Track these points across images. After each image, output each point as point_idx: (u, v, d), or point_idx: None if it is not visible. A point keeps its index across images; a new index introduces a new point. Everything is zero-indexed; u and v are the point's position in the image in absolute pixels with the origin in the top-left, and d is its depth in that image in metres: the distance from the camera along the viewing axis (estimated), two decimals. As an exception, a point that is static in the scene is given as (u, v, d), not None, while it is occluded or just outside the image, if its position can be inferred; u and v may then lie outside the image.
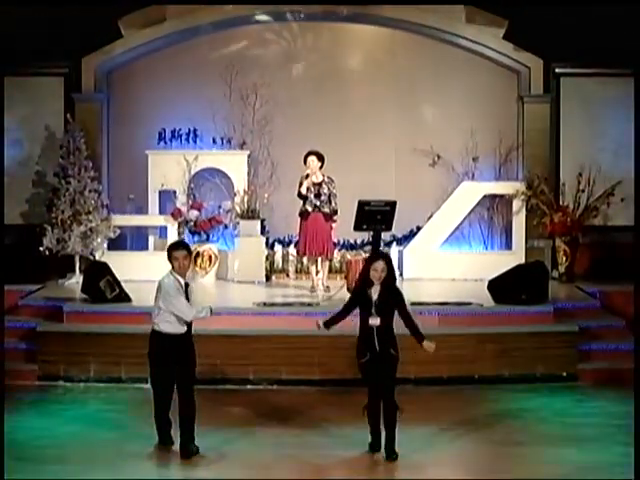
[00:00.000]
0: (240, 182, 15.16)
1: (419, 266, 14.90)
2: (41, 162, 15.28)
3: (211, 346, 10.49)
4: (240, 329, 11.38)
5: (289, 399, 10.60)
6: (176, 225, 14.80)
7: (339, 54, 15.64)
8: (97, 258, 14.17)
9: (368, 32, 15.68)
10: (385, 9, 15.26)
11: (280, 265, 15.16)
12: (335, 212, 13.37)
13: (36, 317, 12.14)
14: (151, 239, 15.11)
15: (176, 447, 8.62)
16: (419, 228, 15.27)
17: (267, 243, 15.07)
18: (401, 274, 14.56)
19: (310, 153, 13.34)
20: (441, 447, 8.84)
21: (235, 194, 15.09)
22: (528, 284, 12.10)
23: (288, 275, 15.13)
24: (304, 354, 11.05)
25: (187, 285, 8.65)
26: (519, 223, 15.16)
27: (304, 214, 13.32)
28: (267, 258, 14.93)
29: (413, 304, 11.57)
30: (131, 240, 15.25)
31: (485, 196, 15.29)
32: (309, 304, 12.36)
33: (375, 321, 8.39)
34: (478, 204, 15.28)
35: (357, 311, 8.60)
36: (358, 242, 15.01)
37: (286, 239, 15.23)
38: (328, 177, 13.36)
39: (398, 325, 8.56)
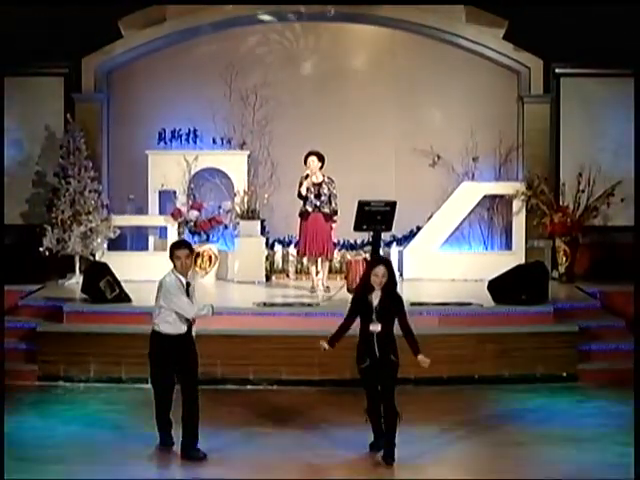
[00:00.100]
0: (240, 182, 15.16)
1: (419, 266, 14.90)
2: (41, 162, 15.28)
3: (211, 346, 10.48)
4: (240, 329, 11.37)
5: (289, 399, 10.60)
6: (176, 225, 14.80)
7: (339, 54, 15.64)
8: (97, 258, 14.18)
9: (368, 32, 15.68)
10: (385, 9, 15.26)
11: (280, 265, 15.17)
12: (335, 212, 13.37)
13: (36, 317, 12.13)
14: (151, 239, 15.11)
15: (176, 448, 8.61)
16: (419, 228, 15.27)
17: (267, 243, 15.07)
18: (401, 274, 14.56)
19: (310, 153, 13.34)
20: (441, 447, 8.84)
21: (235, 194, 15.09)
22: (528, 284, 12.10)
23: (288, 275, 15.13)
24: (304, 354, 11.03)
25: (188, 284, 8.63)
26: (519, 223, 15.16)
27: (304, 214, 13.32)
28: (267, 258, 14.94)
29: (413, 304, 11.62)
30: (131, 240, 15.25)
31: (485, 196, 15.29)
32: (309, 304, 12.36)
33: (376, 327, 8.33)
34: (478, 204, 15.28)
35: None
36: (358, 242, 15.01)
37: (286, 239, 15.23)
38: (328, 177, 13.36)
39: (399, 326, 8.55)
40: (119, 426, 9.45)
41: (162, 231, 15.01)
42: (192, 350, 8.63)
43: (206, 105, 15.23)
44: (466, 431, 9.28)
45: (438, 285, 14.30)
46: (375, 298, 8.39)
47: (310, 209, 13.27)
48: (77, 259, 14.33)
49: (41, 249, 14.05)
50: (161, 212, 15.17)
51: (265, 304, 12.26)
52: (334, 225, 13.43)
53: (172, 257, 8.61)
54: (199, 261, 14.47)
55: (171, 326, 8.51)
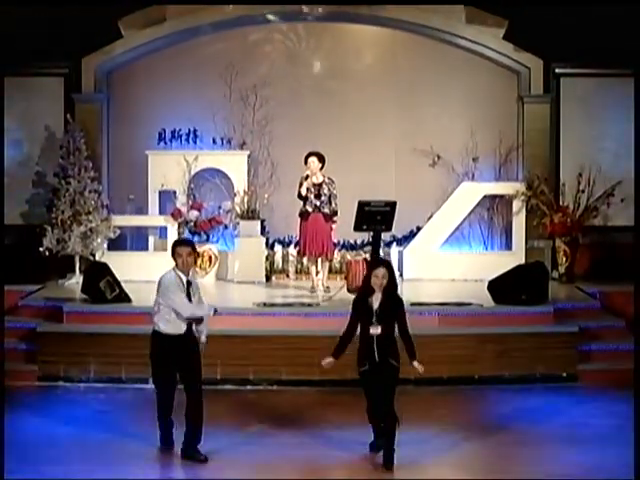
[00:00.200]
0: (240, 182, 15.16)
1: (419, 266, 14.90)
2: (41, 162, 15.28)
3: (211, 346, 10.35)
4: (240, 329, 11.37)
5: (289, 400, 10.61)
6: (176, 225, 14.79)
7: (339, 54, 15.63)
8: (97, 258, 14.17)
9: (368, 32, 15.67)
10: (385, 9, 15.26)
11: (280, 265, 15.16)
12: (335, 213, 13.37)
13: (36, 317, 12.13)
14: (151, 239, 15.11)
15: (177, 448, 8.61)
16: (419, 228, 15.27)
17: (267, 243, 15.06)
18: (401, 275, 14.56)
19: (311, 154, 13.34)
20: (441, 447, 8.84)
21: (235, 194, 15.09)
22: (528, 284, 12.10)
23: (288, 275, 15.13)
24: (304, 354, 11.03)
25: (189, 283, 8.58)
26: (519, 223, 15.16)
27: (304, 214, 13.32)
28: (267, 258, 14.93)
29: (413, 304, 11.62)
30: (131, 240, 15.25)
31: (485, 196, 15.29)
32: (309, 304, 12.36)
33: (376, 330, 8.28)
34: (478, 204, 15.27)
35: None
36: (358, 242, 15.01)
37: (286, 239, 15.23)
38: (328, 178, 13.36)
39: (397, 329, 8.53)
40: (119, 426, 9.44)
41: (162, 231, 15.01)
42: (194, 350, 8.58)
43: (206, 105, 15.22)
44: (466, 431, 9.28)
45: (438, 285, 14.30)
46: (375, 301, 8.35)
47: (310, 209, 13.26)
48: (77, 259, 14.33)
49: (41, 249, 14.05)
50: (161, 212, 15.16)
51: (265, 304, 12.26)
52: (334, 225, 13.42)
53: (174, 254, 8.59)
54: (199, 261, 14.45)
55: (170, 325, 8.48)
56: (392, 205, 12.66)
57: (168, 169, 15.02)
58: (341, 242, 14.87)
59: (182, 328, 8.52)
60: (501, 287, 12.18)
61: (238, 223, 14.91)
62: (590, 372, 11.36)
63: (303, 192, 13.23)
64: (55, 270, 14.35)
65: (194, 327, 8.64)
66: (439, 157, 15.42)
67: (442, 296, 12.89)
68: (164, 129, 15.24)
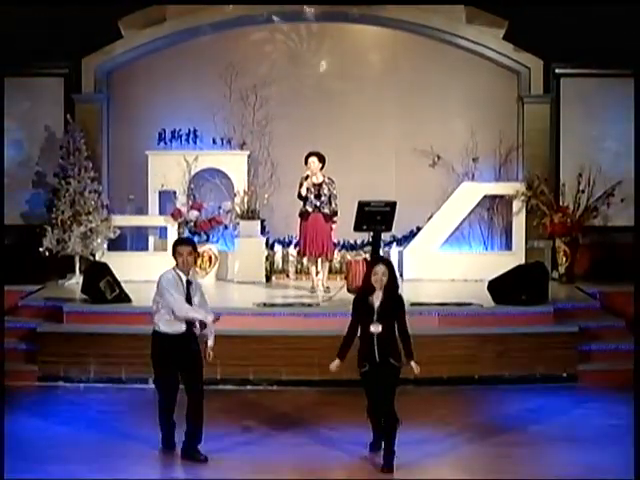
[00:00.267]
0: (240, 183, 15.16)
1: (419, 267, 14.90)
2: (41, 163, 15.27)
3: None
4: (240, 329, 11.36)
5: (289, 400, 10.61)
6: (176, 226, 14.78)
7: (339, 54, 15.62)
8: (97, 259, 14.17)
9: (369, 33, 15.67)
10: (386, 10, 15.25)
11: (280, 266, 15.16)
12: (335, 213, 13.37)
13: (36, 318, 12.13)
14: (151, 239, 15.11)
15: (177, 448, 8.60)
16: (419, 229, 15.27)
17: (267, 244, 15.06)
18: (401, 275, 14.55)
19: (311, 154, 13.34)
20: (441, 447, 8.83)
21: (235, 195, 15.09)
22: (528, 285, 12.10)
23: (288, 276, 15.13)
24: (304, 355, 11.05)
25: (190, 282, 8.54)
26: (519, 224, 15.16)
27: (304, 215, 13.32)
28: (267, 259, 14.93)
29: (413, 304, 11.61)
30: (131, 240, 15.25)
31: (485, 197, 15.29)
32: (309, 305, 12.36)
33: (377, 328, 8.23)
34: (478, 205, 15.28)
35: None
36: (358, 243, 15.01)
37: (286, 240, 15.23)
38: (328, 178, 13.37)
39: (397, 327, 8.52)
40: (119, 426, 9.44)
41: (162, 231, 15.01)
42: (195, 350, 8.54)
43: (206, 105, 15.22)
44: (466, 431, 9.28)
45: (438, 285, 14.30)
46: (376, 299, 8.30)
47: (310, 209, 13.26)
48: (77, 259, 14.33)
49: (41, 249, 14.05)
50: (161, 212, 15.16)
51: (265, 304, 12.26)
52: (334, 225, 13.43)
53: (174, 254, 8.56)
54: (199, 261, 14.45)
55: (170, 325, 8.45)
56: (392, 205, 12.67)
57: (168, 169, 15.02)
58: (341, 242, 14.87)
59: (182, 327, 8.48)
60: (501, 287, 12.18)
61: (238, 223, 14.91)
62: (590, 372, 11.36)
63: (303, 192, 13.23)
64: (55, 270, 14.35)
65: (201, 331, 8.59)
66: (439, 157, 15.42)
67: (442, 296, 12.89)
68: (164, 129, 15.24)
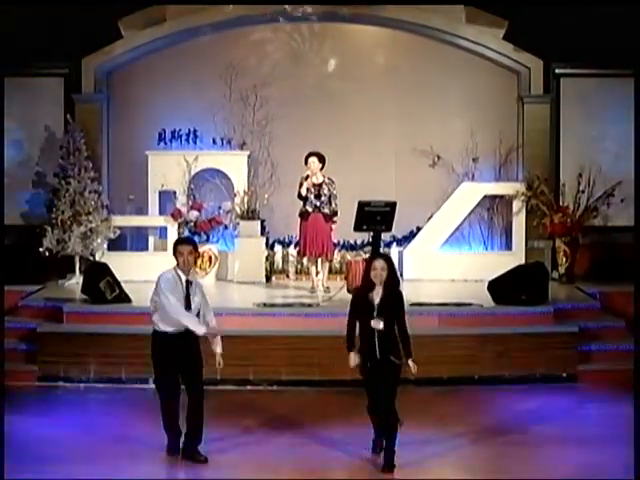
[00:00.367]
0: (240, 183, 15.16)
1: (419, 267, 14.91)
2: (41, 163, 15.28)
3: (211, 346, 10.46)
4: (240, 330, 11.35)
5: (289, 400, 10.61)
6: (176, 226, 14.79)
7: (339, 54, 15.63)
8: (97, 259, 14.18)
9: (368, 33, 15.67)
10: (386, 10, 15.26)
11: (280, 266, 15.16)
12: (335, 213, 13.37)
13: (36, 318, 12.13)
14: (151, 240, 15.11)
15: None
16: (419, 229, 15.27)
17: (267, 244, 15.07)
18: (401, 275, 14.53)
19: (311, 154, 13.34)
20: (441, 448, 8.83)
21: (235, 195, 15.09)
22: (528, 285, 12.10)
23: (288, 276, 15.13)
24: (304, 355, 11.05)
25: (190, 282, 8.48)
26: (519, 224, 15.16)
27: (304, 215, 13.32)
28: (267, 259, 14.94)
29: (413, 305, 11.63)
30: (131, 241, 15.25)
31: (485, 197, 15.30)
32: (309, 305, 12.36)
33: (378, 324, 8.15)
34: (478, 205, 15.28)
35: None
36: (358, 243, 15.01)
37: (286, 240, 15.23)
38: (328, 178, 13.37)
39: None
40: (119, 426, 9.45)
41: (162, 231, 15.01)
42: (195, 350, 8.48)
43: (206, 105, 15.22)
44: (466, 431, 9.27)
45: (438, 285, 14.30)
46: (376, 296, 8.23)
47: (310, 209, 13.26)
48: (77, 259, 14.34)
49: (41, 249, 14.06)
50: (161, 212, 15.16)
51: (265, 304, 12.26)
52: (334, 225, 13.43)
53: (175, 253, 8.50)
54: (199, 262, 14.45)
55: (169, 323, 8.41)
56: (392, 205, 12.67)
57: (168, 169, 15.02)
58: (341, 242, 14.87)
59: (182, 327, 8.40)
60: (501, 287, 12.19)
61: (238, 223, 14.92)
62: (590, 372, 11.36)
63: (303, 192, 13.23)
64: (55, 270, 14.36)
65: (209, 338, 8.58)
66: (439, 157, 15.42)
67: (442, 296, 12.90)
68: (164, 129, 15.24)
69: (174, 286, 8.39)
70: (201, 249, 14.43)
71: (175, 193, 15.10)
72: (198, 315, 8.52)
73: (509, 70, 15.51)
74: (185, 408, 8.50)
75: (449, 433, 9.23)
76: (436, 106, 15.51)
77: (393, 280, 8.30)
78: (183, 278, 8.45)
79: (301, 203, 13.33)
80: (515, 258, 14.35)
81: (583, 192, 14.83)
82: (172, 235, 14.59)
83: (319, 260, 13.44)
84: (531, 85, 15.39)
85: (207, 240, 14.78)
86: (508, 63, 15.46)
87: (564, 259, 14.66)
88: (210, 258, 14.67)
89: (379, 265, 8.24)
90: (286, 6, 15.15)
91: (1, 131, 14.69)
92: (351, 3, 15.20)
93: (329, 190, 13.28)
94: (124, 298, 12.22)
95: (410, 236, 15.29)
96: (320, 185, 13.27)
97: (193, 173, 15.11)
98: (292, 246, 14.97)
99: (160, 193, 15.17)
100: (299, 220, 13.43)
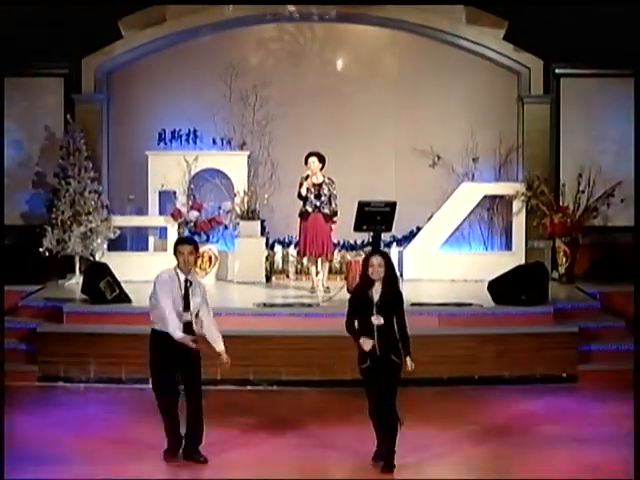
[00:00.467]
0: (240, 183, 15.16)
1: (419, 267, 14.91)
2: (41, 163, 15.28)
3: (210, 347, 10.45)
4: (240, 330, 11.33)
5: (289, 400, 10.61)
6: (176, 226, 14.79)
7: (339, 54, 15.64)
8: (97, 259, 14.18)
9: (369, 33, 15.67)
10: (386, 10, 15.26)
11: (280, 266, 15.17)
12: (335, 213, 13.37)
13: (36, 318, 12.13)
14: (151, 240, 15.11)
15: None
16: (419, 229, 15.27)
17: (267, 244, 15.07)
18: (401, 275, 14.54)
19: (311, 154, 13.34)
20: (441, 447, 8.83)
21: (235, 195, 15.10)
22: (528, 285, 12.11)
23: (288, 276, 15.13)
24: (304, 355, 11.05)
25: (190, 282, 8.43)
26: (519, 224, 15.17)
27: (304, 215, 13.32)
28: (267, 259, 14.94)
29: (413, 305, 11.63)
30: (131, 241, 15.25)
31: (485, 197, 15.30)
32: (309, 305, 12.36)
33: (378, 320, 8.10)
34: (478, 205, 15.28)
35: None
36: (358, 243, 15.01)
37: (286, 240, 15.23)
38: (328, 178, 13.37)
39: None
40: (119, 426, 9.45)
41: (162, 232, 15.01)
42: (194, 350, 8.42)
43: (206, 105, 15.22)
44: (466, 431, 9.27)
45: (438, 285, 14.30)
46: (376, 293, 8.16)
47: (310, 209, 13.26)
48: (77, 259, 14.34)
49: (41, 250, 14.06)
50: (161, 212, 15.17)
51: (265, 305, 12.26)
52: (334, 225, 13.43)
53: (175, 253, 8.45)
54: (199, 262, 14.44)
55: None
56: (392, 205, 12.67)
57: (168, 169, 15.02)
58: (341, 242, 14.87)
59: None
60: (501, 287, 12.19)
61: (238, 223, 14.92)
62: (590, 372, 11.35)
63: (303, 192, 13.23)
64: (55, 270, 14.36)
65: (201, 329, 8.57)
66: (439, 157, 15.42)
67: (442, 296, 12.90)
68: (164, 129, 15.25)
69: (170, 286, 8.34)
70: (201, 249, 14.41)
71: (175, 193, 15.10)
72: (197, 315, 8.49)
73: (509, 70, 15.52)
74: (184, 409, 8.50)
75: (449, 433, 9.22)
76: (436, 106, 15.51)
77: (391, 276, 8.24)
78: (182, 278, 8.41)
79: (301, 203, 13.33)
80: (515, 258, 14.35)
81: (583, 192, 14.84)
82: (172, 235, 14.59)
83: (319, 260, 13.44)
84: (531, 85, 15.40)
85: (207, 240, 14.78)
86: (508, 63, 15.46)
87: (564, 259, 14.66)
88: (210, 258, 14.68)
89: (376, 262, 8.19)
90: (286, 6, 15.14)
91: (1, 131, 14.69)
92: (351, 3, 15.19)
93: (329, 190, 13.29)
94: (124, 298, 12.22)
95: (410, 236, 15.29)
96: (320, 185, 13.28)
97: (193, 173, 15.11)
98: (292, 246, 14.97)
99: (160, 193, 15.18)
100: (299, 220, 13.43)
